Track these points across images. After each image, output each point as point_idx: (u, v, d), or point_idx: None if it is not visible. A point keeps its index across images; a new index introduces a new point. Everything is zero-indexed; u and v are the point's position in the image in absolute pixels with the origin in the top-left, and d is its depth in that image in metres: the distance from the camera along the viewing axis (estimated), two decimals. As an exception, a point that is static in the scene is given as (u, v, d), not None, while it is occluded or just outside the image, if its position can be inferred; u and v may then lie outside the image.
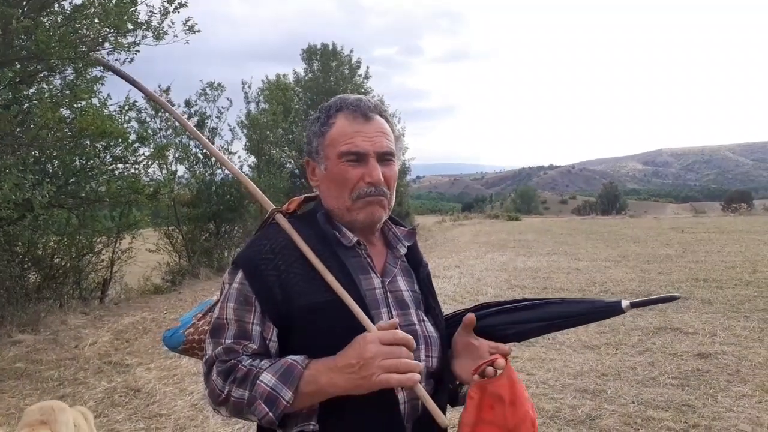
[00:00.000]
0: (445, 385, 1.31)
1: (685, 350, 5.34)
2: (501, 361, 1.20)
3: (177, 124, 11.51)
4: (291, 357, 1.15)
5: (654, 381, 4.59)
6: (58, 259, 8.68)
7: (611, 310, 1.29)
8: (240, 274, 1.22)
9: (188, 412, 4.30)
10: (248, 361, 1.17)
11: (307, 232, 1.25)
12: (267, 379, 1.12)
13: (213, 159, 13.05)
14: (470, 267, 11.69)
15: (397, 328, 1.14)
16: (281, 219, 1.28)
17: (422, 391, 1.16)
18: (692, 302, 7.40)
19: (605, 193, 72.22)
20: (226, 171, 13.38)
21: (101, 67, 6.42)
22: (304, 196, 1.39)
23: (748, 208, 30.17)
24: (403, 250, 1.36)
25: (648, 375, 4.73)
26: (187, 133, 11.96)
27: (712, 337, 5.76)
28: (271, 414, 1.10)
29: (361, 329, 1.14)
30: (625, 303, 1.26)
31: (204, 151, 12.95)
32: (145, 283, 10.35)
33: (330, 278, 1.17)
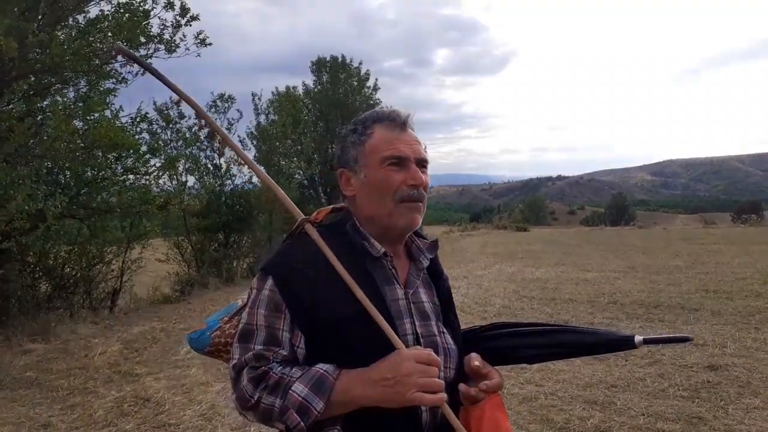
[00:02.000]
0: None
1: (696, 362, 5.30)
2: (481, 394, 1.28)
3: (188, 135, 11.63)
4: (321, 366, 1.18)
5: (664, 393, 4.56)
6: (68, 269, 8.76)
7: (624, 344, 1.34)
8: (270, 282, 1.25)
9: (197, 421, 4.31)
10: (279, 369, 1.20)
11: (335, 242, 1.28)
12: (299, 389, 1.15)
13: (223, 170, 13.16)
14: (478, 277, 11.67)
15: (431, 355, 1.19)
16: (311, 229, 1.30)
17: (448, 409, 1.20)
18: (702, 314, 7.35)
19: (614, 204, 71.87)
20: (236, 181, 13.50)
21: (113, 80, 6.51)
22: (331, 206, 1.43)
23: (758, 219, 29.91)
24: (425, 263, 1.40)
25: (658, 387, 4.69)
26: (198, 143, 12.09)
27: (722, 348, 5.71)
28: (302, 423, 1.14)
29: (388, 342, 1.19)
30: (638, 339, 1.31)
31: (214, 162, 13.07)
32: (154, 293, 10.41)
33: (359, 293, 1.20)
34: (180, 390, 5.03)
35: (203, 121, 1.40)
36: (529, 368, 5.13)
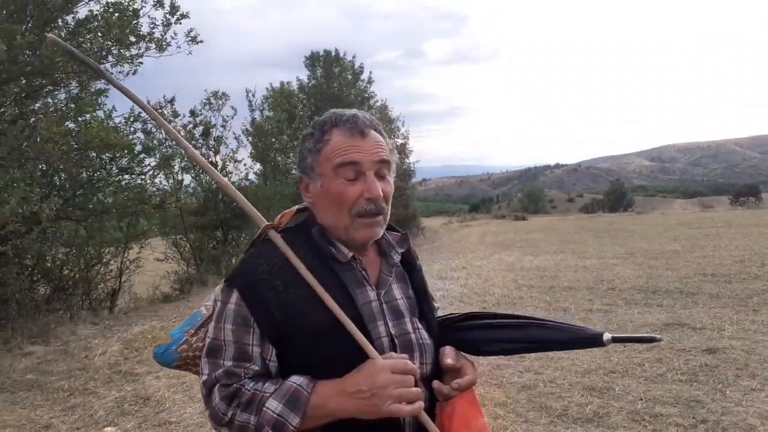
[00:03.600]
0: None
1: (693, 345, 5.32)
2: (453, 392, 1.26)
3: (183, 133, 11.57)
4: (294, 380, 1.15)
5: (662, 377, 4.58)
6: (67, 271, 8.75)
7: (593, 341, 1.32)
8: (236, 295, 1.20)
9: (197, 419, 4.32)
10: (251, 385, 1.16)
11: (301, 248, 1.24)
12: (273, 405, 1.12)
13: (219, 167, 13.10)
14: (477, 268, 11.68)
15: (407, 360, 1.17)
16: (275, 236, 1.25)
17: (426, 417, 1.19)
18: (700, 297, 7.37)
19: (612, 191, 71.77)
20: (233, 178, 13.46)
21: (104, 80, 6.47)
22: (296, 207, 1.37)
23: (756, 201, 29.98)
24: (397, 258, 1.36)
25: (656, 371, 4.71)
26: (194, 141, 12.04)
27: (720, 331, 5.74)
28: None
29: (362, 350, 1.16)
30: (606, 336, 1.29)
31: (210, 159, 13.02)
32: (153, 292, 10.41)
33: (330, 302, 1.17)
34: (180, 388, 5.04)
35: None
36: (527, 356, 5.15)
